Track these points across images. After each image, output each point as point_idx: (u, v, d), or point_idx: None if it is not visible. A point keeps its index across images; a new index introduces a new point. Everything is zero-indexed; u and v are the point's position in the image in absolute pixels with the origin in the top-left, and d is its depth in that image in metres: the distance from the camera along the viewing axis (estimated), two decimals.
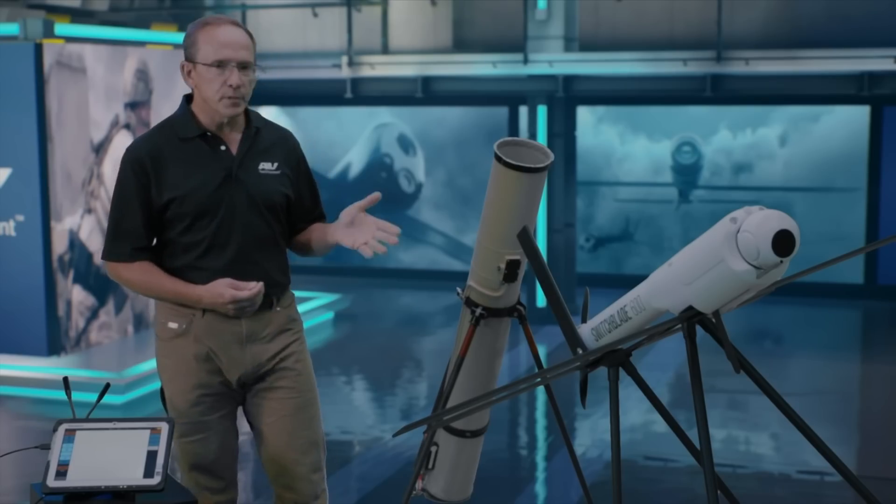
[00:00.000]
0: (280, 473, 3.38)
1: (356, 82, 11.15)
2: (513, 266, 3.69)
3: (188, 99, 3.29)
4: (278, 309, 3.33)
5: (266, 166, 3.28)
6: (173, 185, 3.18)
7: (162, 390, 3.42)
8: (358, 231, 3.24)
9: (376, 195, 3.24)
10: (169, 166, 3.19)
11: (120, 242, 3.23)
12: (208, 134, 3.23)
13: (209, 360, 3.27)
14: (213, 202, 3.19)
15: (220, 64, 3.16)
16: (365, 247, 3.20)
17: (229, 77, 3.15)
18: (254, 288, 3.18)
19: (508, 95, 11.17)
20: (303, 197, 3.40)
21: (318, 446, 3.42)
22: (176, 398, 3.34)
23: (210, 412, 3.31)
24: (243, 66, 3.18)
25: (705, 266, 2.74)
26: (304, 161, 3.43)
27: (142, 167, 3.19)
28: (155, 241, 3.29)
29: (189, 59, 3.21)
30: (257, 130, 3.30)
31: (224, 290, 3.17)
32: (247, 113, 3.31)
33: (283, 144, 3.36)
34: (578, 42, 10.68)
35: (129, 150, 3.24)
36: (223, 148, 3.24)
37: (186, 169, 3.20)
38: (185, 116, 3.25)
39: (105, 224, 8.37)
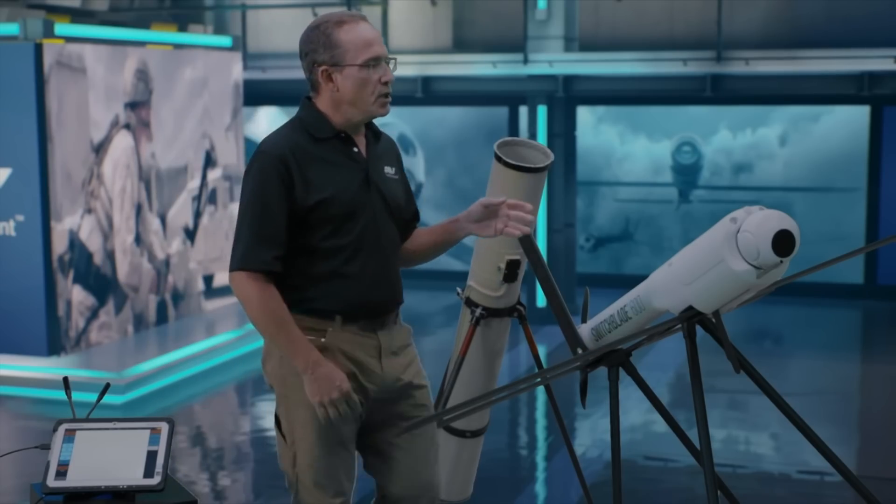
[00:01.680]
0: (413, 489, 3.22)
1: None
2: (513, 266, 3.69)
3: (310, 100, 3.14)
4: (400, 321, 3.21)
5: (389, 170, 3.17)
6: (319, 187, 3.00)
7: (278, 418, 3.13)
8: (493, 220, 3.09)
9: (503, 200, 3.09)
10: (311, 166, 3.01)
11: (262, 249, 2.95)
12: (342, 134, 3.09)
13: (352, 376, 3.06)
14: (357, 204, 3.03)
15: (373, 62, 3.03)
16: (510, 229, 3.06)
17: (383, 74, 3.03)
18: (347, 393, 3.00)
19: (508, 95, 11.17)
20: (409, 203, 3.25)
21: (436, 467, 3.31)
22: (312, 417, 3.03)
23: (347, 432, 3.10)
24: (387, 61, 3.07)
25: (705, 266, 2.75)
26: (404, 170, 3.30)
27: (286, 167, 2.98)
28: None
29: (333, 62, 3.02)
30: (376, 134, 3.19)
31: (340, 380, 2.98)
32: None
33: (391, 146, 3.25)
34: (578, 42, 10.68)
35: (266, 150, 3.02)
36: (356, 150, 3.10)
37: (328, 170, 3.03)
38: (317, 117, 3.08)
39: (104, 224, 8.43)
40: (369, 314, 3.09)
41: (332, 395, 2.97)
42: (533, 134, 10.34)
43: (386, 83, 3.04)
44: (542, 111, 10.39)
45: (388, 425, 3.17)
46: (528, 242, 3.38)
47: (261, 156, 3.02)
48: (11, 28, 8.05)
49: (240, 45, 10.48)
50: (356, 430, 3.13)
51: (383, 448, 3.19)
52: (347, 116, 3.07)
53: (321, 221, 3.01)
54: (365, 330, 3.08)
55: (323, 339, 3.04)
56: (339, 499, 3.10)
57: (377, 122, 3.21)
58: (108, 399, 4.86)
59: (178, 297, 9.43)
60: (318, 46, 3.04)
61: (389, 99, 3.07)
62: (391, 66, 3.08)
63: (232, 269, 3.03)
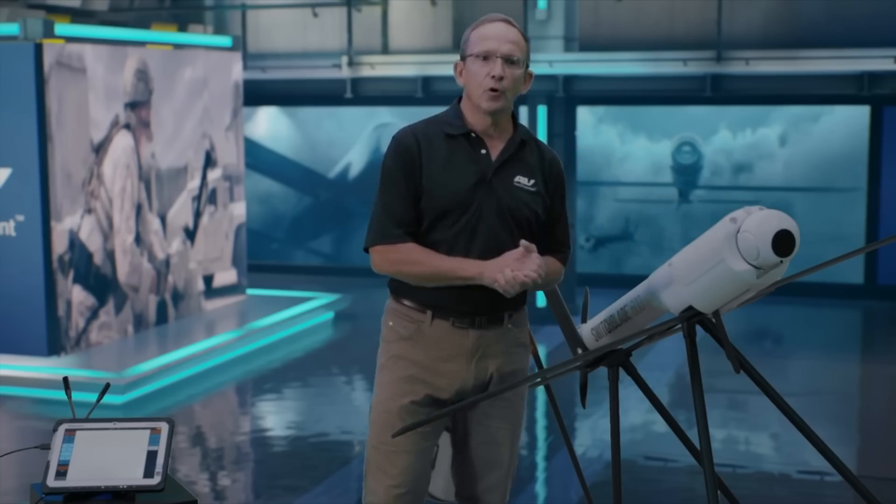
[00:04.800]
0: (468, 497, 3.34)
1: (356, 82, 11.15)
2: None
3: (459, 100, 3.26)
4: (510, 326, 3.20)
5: (522, 180, 3.17)
6: (433, 176, 3.12)
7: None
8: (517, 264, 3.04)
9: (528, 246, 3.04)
10: (433, 157, 3.13)
11: (393, 226, 3.11)
12: (472, 134, 3.17)
13: (429, 370, 3.16)
14: (462, 202, 3.09)
15: (486, 56, 3.13)
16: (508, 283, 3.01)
17: (493, 68, 3.11)
18: (536, 268, 2.97)
19: None
20: (545, 224, 3.22)
21: (509, 476, 3.40)
22: (385, 403, 3.19)
23: (415, 420, 3.17)
24: (509, 61, 3.13)
25: (705, 266, 2.74)
26: (564, 190, 3.28)
27: (410, 152, 3.13)
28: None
29: (461, 56, 3.20)
30: (522, 143, 3.22)
31: (508, 263, 2.98)
32: (516, 125, 3.26)
33: (548, 165, 3.24)
34: (578, 42, 10.68)
35: (396, 138, 3.19)
36: (483, 151, 3.16)
37: (444, 164, 3.13)
38: (456, 114, 3.21)
39: (104, 224, 8.43)
40: (460, 313, 3.13)
41: (504, 269, 2.97)
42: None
43: (494, 77, 3.10)
44: (542, 111, 10.39)
45: (477, 425, 3.27)
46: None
47: (392, 143, 3.20)
48: (11, 28, 8.05)
49: (240, 45, 10.48)
50: (435, 437, 3.25)
51: (460, 444, 3.31)
52: (476, 114, 3.17)
53: (426, 211, 3.12)
54: (456, 327, 3.14)
55: (410, 332, 3.16)
56: (397, 490, 3.18)
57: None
58: (108, 399, 4.86)
59: (178, 297, 9.43)
60: (462, 44, 3.24)
61: (497, 95, 3.13)
62: (518, 70, 3.16)
63: (367, 246, 3.18)
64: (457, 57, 3.30)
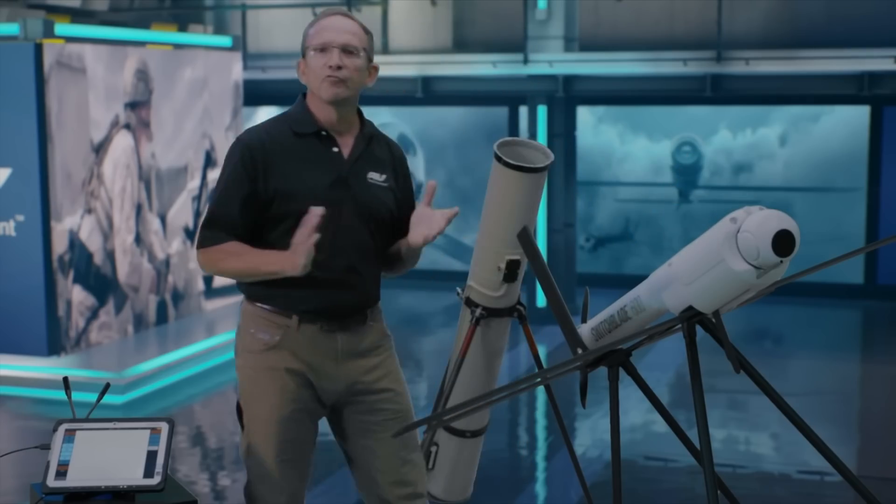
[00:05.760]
0: (376, 496, 3.25)
1: None
2: (513, 266, 3.69)
3: (304, 96, 3.21)
4: (371, 323, 3.20)
5: (375, 176, 3.17)
6: (283, 179, 3.06)
7: (239, 407, 3.20)
8: (423, 226, 3.13)
9: (432, 184, 3.13)
10: (279, 160, 3.08)
11: (215, 231, 3.06)
12: (323, 133, 3.14)
13: (303, 375, 3.12)
14: (321, 203, 2.99)
15: (323, 48, 3.10)
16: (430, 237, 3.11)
17: (330, 58, 3.08)
18: (314, 219, 2.94)
19: (508, 95, 11.17)
20: (403, 215, 3.23)
21: (419, 467, 3.30)
22: (267, 413, 3.12)
23: (302, 428, 3.16)
24: (347, 51, 3.10)
25: (705, 266, 2.74)
26: (410, 179, 3.31)
27: (252, 157, 3.07)
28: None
29: (302, 54, 3.17)
30: (370, 138, 3.21)
31: (295, 249, 2.95)
32: (362, 119, 3.23)
33: (393, 157, 3.25)
34: (578, 42, 10.68)
35: (240, 139, 3.13)
36: (335, 150, 3.13)
37: (297, 165, 3.08)
38: (303, 112, 3.16)
39: (104, 224, 8.43)
40: (327, 316, 3.11)
41: (296, 256, 2.94)
42: (533, 134, 10.34)
43: (332, 67, 3.08)
44: (542, 111, 10.39)
45: (360, 431, 3.21)
46: (527, 241, 3.37)
47: (233, 143, 3.14)
48: (11, 28, 8.05)
49: (240, 45, 10.48)
50: (314, 432, 3.20)
51: (358, 455, 3.24)
52: (323, 110, 3.13)
53: (280, 216, 3.05)
54: (324, 331, 3.11)
55: (277, 338, 3.10)
56: (283, 497, 3.17)
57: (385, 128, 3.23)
58: (108, 399, 4.86)
59: (178, 297, 9.43)
60: (302, 42, 3.18)
61: (337, 81, 3.08)
62: (359, 59, 3.12)
63: (196, 247, 3.15)
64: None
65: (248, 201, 3.06)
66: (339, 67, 3.07)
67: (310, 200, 3.01)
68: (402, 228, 3.22)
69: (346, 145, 3.16)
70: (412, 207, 3.25)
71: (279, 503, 3.17)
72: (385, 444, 3.19)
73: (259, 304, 3.13)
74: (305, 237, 2.93)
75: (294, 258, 2.93)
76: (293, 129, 3.13)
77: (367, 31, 3.18)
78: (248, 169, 3.06)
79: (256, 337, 3.13)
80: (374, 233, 3.15)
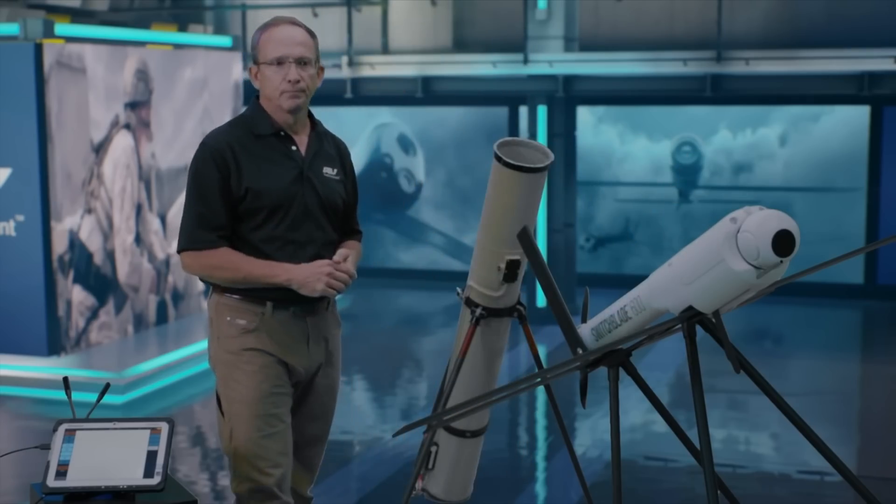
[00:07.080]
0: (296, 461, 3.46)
1: (356, 82, 11.14)
2: (513, 266, 3.69)
3: (258, 98, 3.39)
4: (329, 309, 3.46)
5: (329, 171, 3.41)
6: (250, 178, 3.27)
7: (218, 399, 3.36)
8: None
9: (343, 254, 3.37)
10: (245, 159, 3.28)
11: (204, 231, 3.25)
12: (282, 133, 3.34)
13: (278, 357, 3.32)
14: (288, 198, 3.28)
15: (279, 62, 3.28)
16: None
17: (288, 72, 3.27)
18: (349, 273, 3.32)
19: (508, 95, 11.17)
20: (349, 208, 3.52)
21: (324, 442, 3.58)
22: (248, 391, 3.29)
23: (281, 403, 3.33)
24: (302, 63, 3.29)
25: (705, 266, 2.74)
26: (354, 172, 3.57)
27: (223, 158, 3.26)
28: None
29: (254, 61, 3.34)
30: (321, 136, 3.44)
31: (323, 265, 3.26)
32: (312, 118, 3.44)
33: (342, 153, 3.50)
34: (578, 42, 10.68)
35: (207, 143, 3.30)
36: (294, 148, 3.35)
37: (261, 164, 3.29)
38: (260, 114, 3.36)
39: (104, 224, 8.42)
40: (299, 302, 3.33)
41: (322, 272, 3.26)
42: (533, 134, 10.34)
43: (290, 81, 3.27)
44: (542, 111, 10.39)
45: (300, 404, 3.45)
46: (527, 241, 3.38)
47: (201, 147, 3.31)
48: (11, 28, 8.05)
49: (240, 45, 10.48)
50: (290, 405, 3.38)
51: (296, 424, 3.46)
52: (278, 113, 3.32)
53: (251, 211, 3.27)
54: (296, 315, 3.34)
55: (254, 324, 3.29)
56: (277, 470, 3.30)
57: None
58: (108, 399, 4.86)
59: (178, 297, 9.43)
60: (252, 48, 3.38)
61: (296, 94, 3.29)
62: (312, 68, 3.32)
63: (179, 250, 3.32)
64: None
65: (225, 200, 3.26)
66: (298, 81, 3.28)
67: (277, 195, 3.27)
68: (349, 219, 3.52)
69: (302, 143, 3.39)
70: (356, 199, 3.55)
71: (269, 483, 3.29)
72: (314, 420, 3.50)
73: (232, 295, 3.32)
74: (332, 268, 3.26)
75: (313, 284, 3.25)
76: (253, 131, 3.33)
77: (313, 36, 3.38)
78: (222, 169, 3.26)
79: (234, 323, 3.31)
80: (332, 223, 3.41)
